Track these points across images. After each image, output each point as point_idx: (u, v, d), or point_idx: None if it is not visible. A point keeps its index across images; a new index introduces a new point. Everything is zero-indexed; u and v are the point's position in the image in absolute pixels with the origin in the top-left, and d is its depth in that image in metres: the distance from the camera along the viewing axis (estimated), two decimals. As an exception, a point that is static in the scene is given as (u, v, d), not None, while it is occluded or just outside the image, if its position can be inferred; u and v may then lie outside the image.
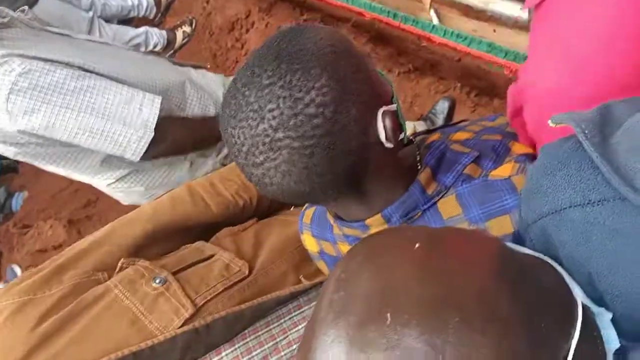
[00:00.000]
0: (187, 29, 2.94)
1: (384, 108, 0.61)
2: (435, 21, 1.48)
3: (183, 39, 2.93)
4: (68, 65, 1.15)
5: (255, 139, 0.57)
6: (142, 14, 2.99)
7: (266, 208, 1.14)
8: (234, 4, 2.84)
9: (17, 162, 3.05)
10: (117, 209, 2.24)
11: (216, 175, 1.14)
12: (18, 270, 2.80)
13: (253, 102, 0.56)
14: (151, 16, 3.04)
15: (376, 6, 1.59)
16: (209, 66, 2.48)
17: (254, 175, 0.60)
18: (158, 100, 1.22)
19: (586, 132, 0.43)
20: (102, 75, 1.19)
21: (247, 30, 2.77)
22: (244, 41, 2.78)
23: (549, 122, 0.47)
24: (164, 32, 2.89)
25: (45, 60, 1.12)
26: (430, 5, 1.46)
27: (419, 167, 0.70)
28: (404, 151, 0.71)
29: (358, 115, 0.58)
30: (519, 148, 0.70)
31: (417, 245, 0.40)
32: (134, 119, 1.18)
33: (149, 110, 1.20)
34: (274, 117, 0.55)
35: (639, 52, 0.49)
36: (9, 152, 1.21)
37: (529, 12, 0.62)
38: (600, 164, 0.41)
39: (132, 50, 1.41)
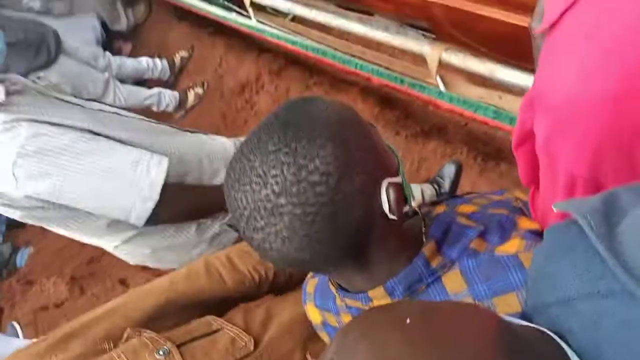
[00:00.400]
0: (198, 90, 3.03)
1: (389, 180, 0.61)
2: (442, 87, 1.51)
3: (194, 100, 3.01)
4: (77, 129, 1.15)
5: (258, 203, 0.57)
6: (156, 75, 3.08)
7: (283, 283, 1.13)
8: (245, 67, 2.92)
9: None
10: (121, 265, 2.23)
11: (234, 249, 1.14)
12: (18, 328, 2.76)
13: (257, 167, 0.57)
14: (165, 78, 3.13)
15: (383, 72, 1.63)
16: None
17: (254, 239, 0.59)
18: (165, 161, 1.22)
19: (592, 223, 0.42)
20: (111, 138, 1.20)
21: (257, 92, 2.84)
22: (253, 103, 2.84)
23: (553, 207, 0.46)
24: (176, 93, 2.97)
25: (55, 124, 1.13)
26: (437, 72, 1.50)
27: (424, 239, 0.69)
28: (409, 222, 0.70)
29: (362, 186, 0.58)
30: (526, 223, 0.69)
31: (408, 321, 0.40)
32: (140, 181, 1.17)
33: (155, 171, 1.19)
34: (277, 183, 0.55)
35: None
36: (15, 215, 1.20)
37: (540, 37, 0.61)
38: (606, 256, 0.40)
39: (145, 120, 1.42)
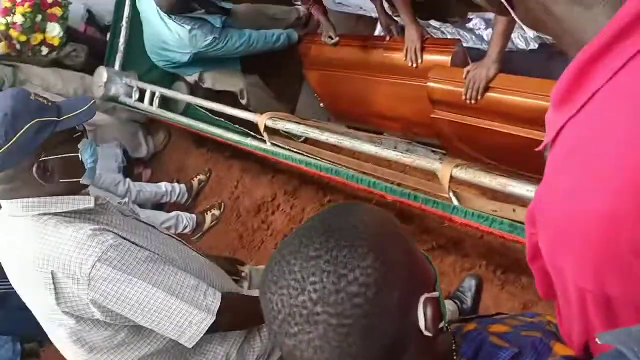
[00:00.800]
0: (215, 212, 3.08)
1: (426, 295, 0.60)
2: (455, 202, 1.52)
3: (212, 222, 3.05)
4: (148, 250, 1.27)
5: (293, 309, 0.56)
6: (174, 199, 3.16)
7: None
8: (261, 188, 2.99)
9: (41, 345, 3.00)
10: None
11: None
12: None
13: (297, 272, 0.56)
14: (182, 201, 3.21)
15: (396, 189, 1.66)
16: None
17: (285, 345, 0.58)
18: (219, 294, 1.31)
19: (639, 354, 0.41)
20: (172, 263, 1.31)
21: (273, 212, 2.88)
22: (269, 222, 2.87)
23: (597, 339, 0.45)
24: (193, 216, 3.02)
25: (133, 243, 1.25)
26: (449, 187, 1.52)
27: (455, 356, 0.66)
28: (439, 338, 0.68)
29: (400, 300, 0.57)
30: (561, 349, 0.67)
31: None
32: (199, 303, 1.25)
33: (212, 298, 1.28)
34: (315, 290, 0.55)
35: None
36: (66, 325, 1.24)
37: (546, 150, 0.62)
38: None
39: (189, 249, 1.54)
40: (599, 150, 0.51)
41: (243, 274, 1.70)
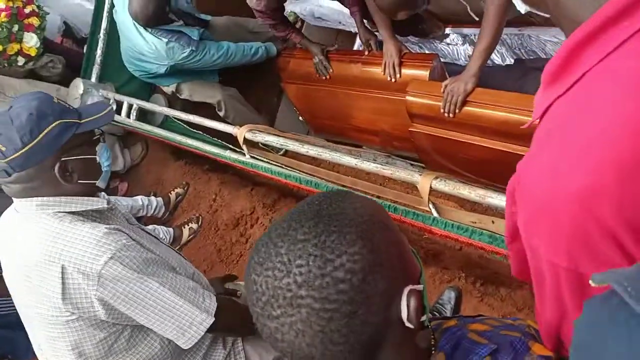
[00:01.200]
0: (193, 225, 3.05)
1: (411, 286, 0.60)
2: (435, 214, 1.53)
3: (189, 236, 3.02)
4: (154, 253, 1.33)
5: (277, 291, 0.56)
6: (150, 213, 3.12)
7: None
8: (240, 201, 2.97)
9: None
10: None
11: None
12: None
13: (283, 254, 0.56)
14: (159, 215, 3.16)
15: (377, 200, 1.67)
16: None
17: (266, 327, 0.58)
18: (214, 296, 1.36)
19: (629, 289, 0.42)
20: (173, 268, 1.37)
21: (252, 226, 2.86)
22: (248, 236, 2.85)
23: (590, 282, 0.46)
24: (170, 230, 2.99)
25: (141, 244, 1.30)
26: (428, 199, 1.53)
27: (433, 350, 0.67)
28: (420, 334, 0.69)
29: (384, 289, 0.57)
30: (539, 349, 0.68)
31: None
32: (199, 304, 1.30)
33: (209, 300, 1.33)
34: (300, 273, 0.55)
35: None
36: (63, 324, 1.25)
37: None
38: None
39: (182, 257, 1.58)
40: (582, 128, 0.52)
41: (239, 293, 1.70)
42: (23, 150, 1.17)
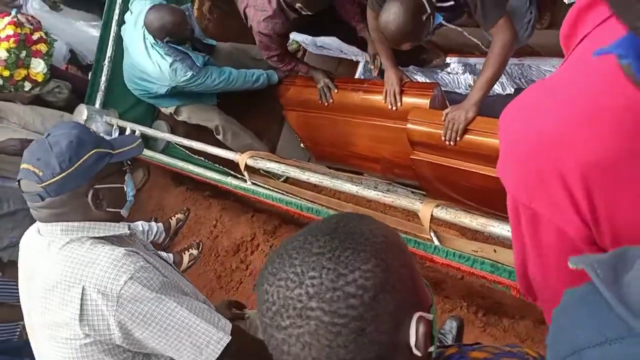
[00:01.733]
0: (194, 251, 3.03)
1: (421, 313, 0.60)
2: (437, 242, 1.53)
3: (189, 262, 3.00)
4: (168, 278, 1.33)
5: (288, 301, 0.56)
6: (151, 238, 3.11)
7: None
8: (240, 228, 2.96)
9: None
10: None
11: None
12: None
13: (297, 265, 0.57)
14: (160, 240, 3.15)
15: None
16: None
17: (274, 338, 0.58)
18: (229, 324, 1.35)
19: (598, 271, 0.45)
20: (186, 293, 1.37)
21: (252, 252, 2.85)
22: (248, 262, 2.83)
23: (569, 264, 0.49)
24: (170, 255, 2.97)
25: (157, 269, 1.30)
26: (430, 227, 1.52)
27: None
28: None
29: (394, 310, 0.57)
30: None
31: None
32: (215, 322, 1.31)
33: (224, 321, 1.34)
34: (312, 285, 0.55)
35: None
36: (76, 347, 1.24)
37: None
38: (612, 302, 0.42)
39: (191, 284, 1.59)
40: (566, 83, 0.57)
41: (246, 316, 1.71)
42: (61, 175, 1.21)
